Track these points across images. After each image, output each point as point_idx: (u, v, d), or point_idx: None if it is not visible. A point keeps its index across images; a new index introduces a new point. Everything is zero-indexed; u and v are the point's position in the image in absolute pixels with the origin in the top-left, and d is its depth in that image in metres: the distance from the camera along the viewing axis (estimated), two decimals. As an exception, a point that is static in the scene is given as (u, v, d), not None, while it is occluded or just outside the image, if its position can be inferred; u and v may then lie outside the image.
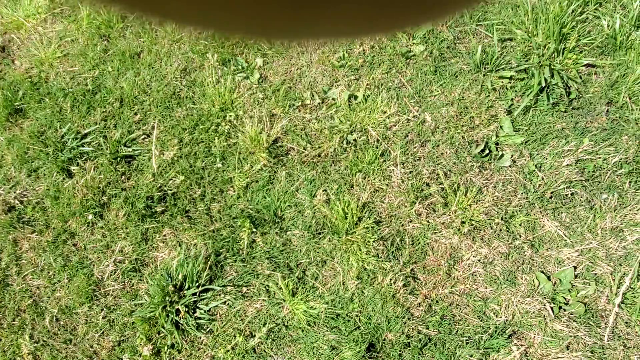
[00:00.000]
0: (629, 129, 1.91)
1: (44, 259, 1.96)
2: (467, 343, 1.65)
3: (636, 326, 1.64)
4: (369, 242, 1.79)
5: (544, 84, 1.98)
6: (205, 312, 1.77)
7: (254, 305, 1.78)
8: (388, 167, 1.93)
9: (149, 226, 1.94)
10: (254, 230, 1.85)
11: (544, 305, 1.68)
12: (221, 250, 1.86)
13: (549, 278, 1.72)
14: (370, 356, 1.66)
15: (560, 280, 1.71)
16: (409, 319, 1.70)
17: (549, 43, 2.05)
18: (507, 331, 1.66)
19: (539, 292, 1.70)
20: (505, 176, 1.89)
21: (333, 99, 2.09)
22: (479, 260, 1.76)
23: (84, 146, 2.12)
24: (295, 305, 1.73)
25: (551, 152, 1.90)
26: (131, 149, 2.09)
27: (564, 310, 1.67)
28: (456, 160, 1.92)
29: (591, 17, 2.11)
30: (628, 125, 1.92)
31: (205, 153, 2.04)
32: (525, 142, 1.93)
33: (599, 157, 1.87)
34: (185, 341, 1.75)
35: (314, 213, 1.87)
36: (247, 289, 1.80)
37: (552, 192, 1.84)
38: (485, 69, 2.06)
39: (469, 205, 1.82)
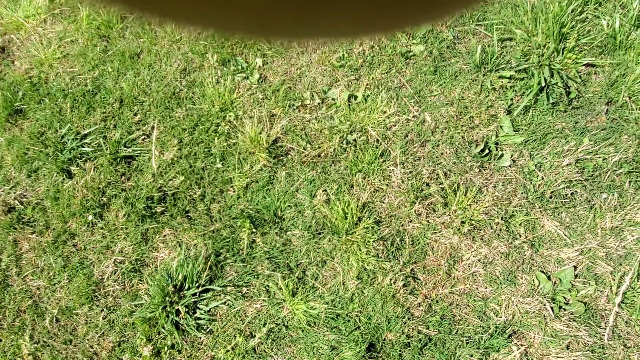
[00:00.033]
0: (629, 128, 1.91)
1: (44, 260, 1.96)
2: (467, 343, 1.65)
3: (636, 326, 1.64)
4: (369, 242, 1.79)
5: (543, 84, 1.98)
6: (205, 312, 1.77)
7: (254, 306, 1.78)
8: (388, 167, 1.93)
9: (149, 226, 1.94)
10: (254, 230, 1.85)
11: (544, 305, 1.68)
12: (221, 251, 1.86)
13: (549, 278, 1.72)
14: (370, 356, 1.66)
15: (560, 280, 1.71)
16: (409, 319, 1.70)
17: (549, 43, 2.05)
18: (507, 331, 1.66)
19: (539, 292, 1.70)
20: (505, 176, 1.89)
21: (333, 99, 2.09)
22: (479, 260, 1.76)
23: (83, 147, 2.12)
24: (295, 305, 1.73)
25: (551, 151, 1.90)
26: (131, 150, 2.09)
27: (564, 309, 1.67)
28: (456, 160, 1.92)
29: (591, 16, 2.11)
30: (628, 125, 1.92)
31: (205, 153, 2.04)
32: (525, 142, 1.93)
33: (599, 157, 1.87)
34: (186, 341, 1.75)
35: (314, 213, 1.87)
36: (247, 289, 1.80)
37: (552, 192, 1.84)
38: (485, 68, 2.06)
39: (469, 205, 1.82)
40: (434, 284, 1.74)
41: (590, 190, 1.83)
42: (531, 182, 1.86)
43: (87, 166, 2.08)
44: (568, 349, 1.62)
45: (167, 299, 1.75)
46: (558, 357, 1.61)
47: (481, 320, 1.68)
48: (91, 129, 2.16)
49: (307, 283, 1.78)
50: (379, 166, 1.92)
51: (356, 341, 1.66)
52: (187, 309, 1.76)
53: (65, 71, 2.36)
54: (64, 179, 2.07)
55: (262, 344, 1.72)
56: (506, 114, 1.98)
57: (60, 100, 2.26)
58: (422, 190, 1.88)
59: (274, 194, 1.92)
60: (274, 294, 1.77)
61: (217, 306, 1.78)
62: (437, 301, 1.72)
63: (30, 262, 1.97)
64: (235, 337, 1.74)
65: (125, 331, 1.81)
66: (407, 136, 1.99)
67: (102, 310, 1.85)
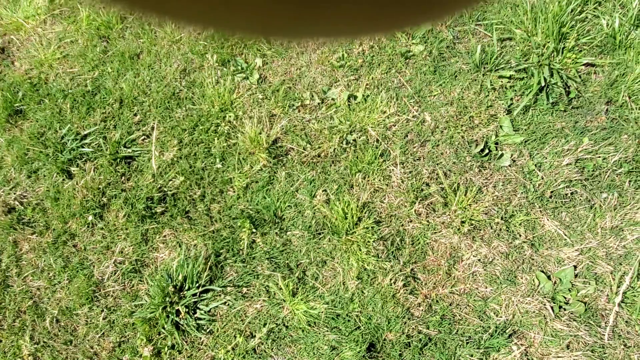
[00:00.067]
0: (629, 128, 1.91)
1: (44, 260, 1.96)
2: (467, 343, 1.65)
3: (636, 325, 1.64)
4: (369, 242, 1.79)
5: (543, 84, 1.98)
6: (205, 312, 1.77)
7: (254, 306, 1.78)
8: (388, 167, 1.93)
9: (149, 227, 1.94)
10: (254, 230, 1.85)
11: (544, 304, 1.68)
12: (221, 251, 1.86)
13: (549, 277, 1.72)
14: (370, 356, 1.66)
15: (560, 279, 1.71)
16: (409, 318, 1.70)
17: (548, 42, 2.05)
18: (507, 331, 1.66)
19: (539, 292, 1.70)
20: (505, 176, 1.89)
21: (332, 99, 2.09)
22: (479, 259, 1.76)
23: (83, 147, 2.12)
24: (296, 305, 1.73)
25: (551, 151, 1.90)
26: (131, 150, 2.09)
27: (564, 309, 1.67)
28: (456, 160, 1.92)
29: (590, 16, 2.11)
30: (627, 124, 1.92)
31: (205, 154, 2.04)
32: (525, 142, 1.93)
33: (599, 156, 1.88)
34: (186, 342, 1.75)
35: (314, 213, 1.87)
36: (247, 290, 1.80)
37: (551, 192, 1.84)
38: (484, 68, 2.06)
39: (469, 204, 1.82)
40: (434, 283, 1.74)
41: (590, 190, 1.83)
42: (531, 182, 1.86)
43: (87, 167, 2.08)
44: (568, 348, 1.62)
45: (167, 299, 1.75)
46: (558, 357, 1.61)
47: (481, 320, 1.68)
48: (91, 129, 2.16)
49: (307, 283, 1.78)
50: (378, 166, 1.92)
51: (356, 341, 1.66)
52: (187, 310, 1.76)
53: (65, 72, 2.36)
54: (64, 180, 2.07)
55: (262, 344, 1.72)
56: (506, 114, 1.99)
57: (60, 100, 2.26)
58: (422, 190, 1.88)
59: (274, 194, 1.92)
60: (274, 294, 1.78)
61: (217, 306, 1.78)
62: (437, 301, 1.72)
63: (30, 263, 1.97)
64: (235, 337, 1.74)
65: (126, 331, 1.81)
66: (407, 136, 1.99)
67: (103, 310, 1.85)
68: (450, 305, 1.71)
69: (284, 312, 1.75)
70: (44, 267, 1.95)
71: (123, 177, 2.05)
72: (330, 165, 1.96)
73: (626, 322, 1.65)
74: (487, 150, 1.93)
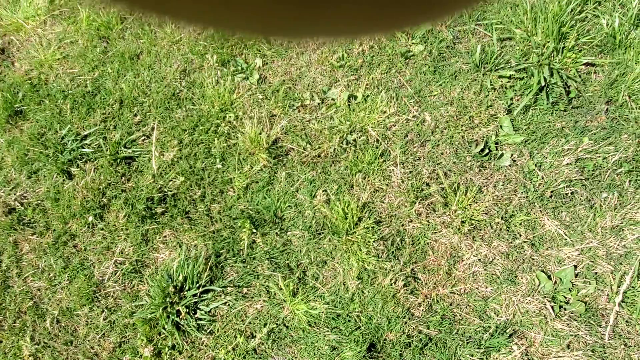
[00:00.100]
0: (629, 127, 1.91)
1: (45, 261, 1.96)
2: (467, 342, 1.65)
3: (637, 325, 1.64)
4: (369, 242, 1.79)
5: (543, 83, 1.98)
6: (205, 313, 1.77)
7: (255, 306, 1.78)
8: (388, 167, 1.93)
9: (149, 227, 1.94)
10: (254, 231, 1.85)
11: (545, 304, 1.68)
12: (221, 251, 1.86)
13: (549, 277, 1.72)
14: (371, 356, 1.66)
15: (560, 279, 1.71)
16: (409, 318, 1.70)
17: (548, 42, 2.05)
18: (507, 330, 1.66)
19: (539, 292, 1.70)
20: (505, 175, 1.89)
21: (332, 99, 2.09)
22: (479, 259, 1.76)
23: (83, 148, 2.12)
24: (296, 305, 1.73)
25: (551, 151, 1.90)
26: (131, 150, 2.10)
27: (565, 309, 1.67)
28: (456, 159, 1.92)
29: (590, 16, 2.11)
30: (628, 124, 1.92)
31: (205, 154, 2.04)
32: (525, 142, 1.93)
33: (599, 156, 1.87)
34: (186, 342, 1.75)
35: (314, 213, 1.87)
36: (248, 290, 1.80)
37: (552, 191, 1.84)
38: (484, 68, 2.06)
39: (469, 204, 1.82)
40: (435, 283, 1.74)
41: (591, 190, 1.83)
42: (531, 182, 1.86)
43: (87, 167, 2.08)
44: (569, 348, 1.62)
45: (168, 299, 1.75)
46: (559, 357, 1.61)
47: (482, 320, 1.68)
48: (91, 130, 2.16)
49: (308, 283, 1.78)
50: (379, 166, 1.92)
51: (357, 341, 1.66)
52: (187, 310, 1.76)
53: (65, 72, 2.36)
54: (64, 180, 2.07)
55: (262, 344, 1.72)
56: (506, 114, 1.99)
57: (60, 101, 2.26)
58: (422, 190, 1.88)
59: (274, 195, 1.92)
60: (275, 294, 1.78)
61: (217, 307, 1.78)
62: (437, 301, 1.72)
63: (30, 263, 1.97)
64: (235, 337, 1.74)
65: (126, 332, 1.81)
66: (407, 136, 1.99)
67: (103, 311, 1.85)
68: (450, 305, 1.71)
69: (285, 312, 1.75)
70: (44, 268, 1.95)
71: (123, 178, 2.05)
72: (331, 166, 1.96)
73: (626, 321, 1.65)
74: (487, 150, 1.93)
